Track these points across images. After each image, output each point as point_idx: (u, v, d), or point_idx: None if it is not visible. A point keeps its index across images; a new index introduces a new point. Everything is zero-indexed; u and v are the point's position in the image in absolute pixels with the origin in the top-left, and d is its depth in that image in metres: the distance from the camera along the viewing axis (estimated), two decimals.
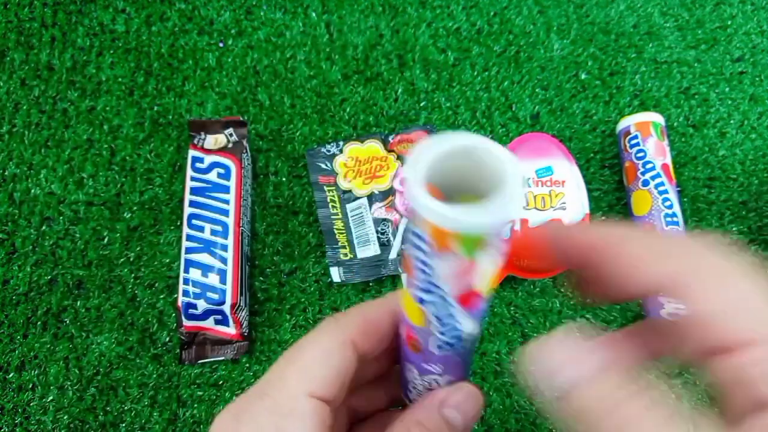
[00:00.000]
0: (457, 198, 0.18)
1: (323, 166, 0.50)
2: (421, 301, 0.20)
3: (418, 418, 0.23)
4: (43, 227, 0.49)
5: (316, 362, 0.22)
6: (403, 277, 0.20)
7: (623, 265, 0.19)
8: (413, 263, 0.19)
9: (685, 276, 0.18)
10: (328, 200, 0.49)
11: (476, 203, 0.17)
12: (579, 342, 0.19)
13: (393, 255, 0.47)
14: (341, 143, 0.51)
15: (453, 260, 0.18)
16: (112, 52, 0.54)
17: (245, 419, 0.21)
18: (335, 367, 0.22)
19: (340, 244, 0.48)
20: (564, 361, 0.19)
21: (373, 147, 0.50)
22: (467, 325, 0.21)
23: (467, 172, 0.18)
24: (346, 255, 0.48)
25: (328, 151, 0.51)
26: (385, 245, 0.47)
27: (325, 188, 0.50)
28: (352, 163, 0.50)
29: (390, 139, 0.51)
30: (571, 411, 0.19)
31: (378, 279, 0.47)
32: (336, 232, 0.48)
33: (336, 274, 0.47)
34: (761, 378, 0.16)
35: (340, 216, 0.49)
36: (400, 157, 0.50)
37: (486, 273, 0.19)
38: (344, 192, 0.49)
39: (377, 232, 0.48)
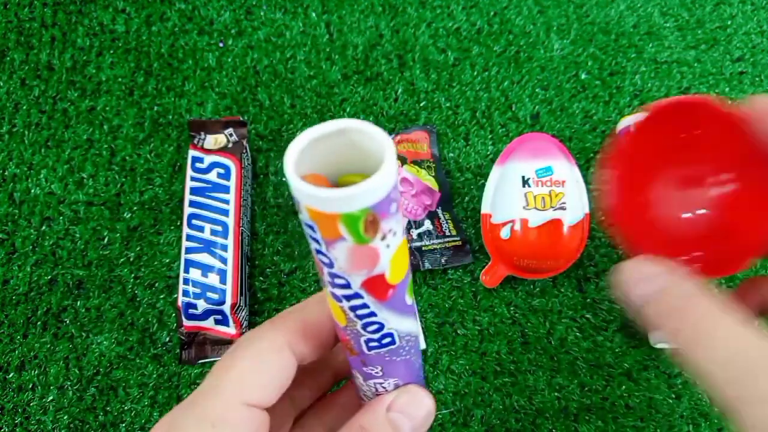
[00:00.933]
0: (345, 178, 0.19)
1: None
2: (335, 296, 0.20)
3: (362, 422, 0.23)
4: (43, 227, 0.49)
5: (250, 369, 0.22)
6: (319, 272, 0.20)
7: None
8: (315, 257, 0.19)
9: None
10: None
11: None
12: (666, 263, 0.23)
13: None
14: None
15: (345, 245, 0.17)
16: (112, 52, 0.54)
17: (177, 430, 0.21)
18: (271, 374, 0.22)
19: None
20: (651, 272, 0.22)
21: None
22: (389, 319, 0.21)
23: (350, 157, 0.18)
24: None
25: None
26: None
27: None
28: None
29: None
30: (657, 313, 0.22)
31: None
32: None
33: None
34: None
35: None
36: (400, 157, 0.50)
37: (385, 256, 0.18)
38: None
39: None
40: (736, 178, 0.33)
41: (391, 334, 0.21)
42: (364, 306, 0.20)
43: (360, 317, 0.20)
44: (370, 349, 0.22)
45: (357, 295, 0.19)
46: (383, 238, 0.18)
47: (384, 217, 0.17)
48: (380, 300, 0.20)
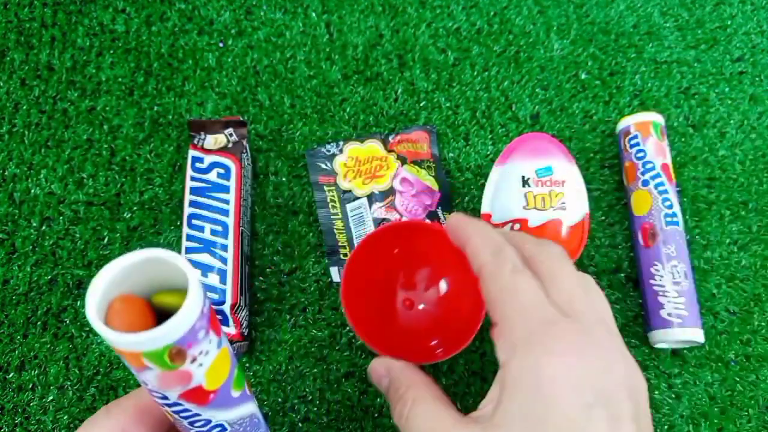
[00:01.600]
0: (161, 296, 0.20)
1: (323, 166, 0.50)
2: (157, 401, 0.21)
3: None
4: (43, 227, 0.49)
5: None
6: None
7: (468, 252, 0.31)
8: (136, 374, 0.20)
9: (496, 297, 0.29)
10: (328, 200, 0.49)
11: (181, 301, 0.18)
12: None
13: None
14: (341, 143, 0.51)
15: (153, 373, 0.19)
16: (112, 52, 0.54)
17: None
18: None
19: (340, 243, 0.48)
20: (382, 371, 0.34)
21: (373, 147, 0.50)
22: (216, 415, 0.22)
23: (162, 276, 0.19)
24: (346, 255, 0.48)
25: (328, 151, 0.51)
26: None
27: (325, 188, 0.50)
28: (352, 163, 0.50)
29: (390, 139, 0.51)
30: (390, 398, 0.31)
31: None
32: (336, 232, 0.48)
33: (336, 273, 0.47)
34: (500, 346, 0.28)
35: (340, 216, 0.49)
36: (400, 157, 0.50)
37: (198, 373, 0.20)
38: (344, 192, 0.49)
39: None
40: (451, 278, 0.42)
41: (220, 425, 0.23)
42: (187, 410, 0.21)
43: (185, 418, 0.22)
44: None
45: (177, 404, 0.21)
46: (193, 361, 0.19)
47: (190, 346, 0.19)
48: (201, 404, 0.21)
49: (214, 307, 0.44)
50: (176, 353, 0.18)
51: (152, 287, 0.20)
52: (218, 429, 0.23)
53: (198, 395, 0.21)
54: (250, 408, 0.24)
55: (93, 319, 0.18)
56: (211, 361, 0.20)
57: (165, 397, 0.20)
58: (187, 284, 0.18)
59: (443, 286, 0.43)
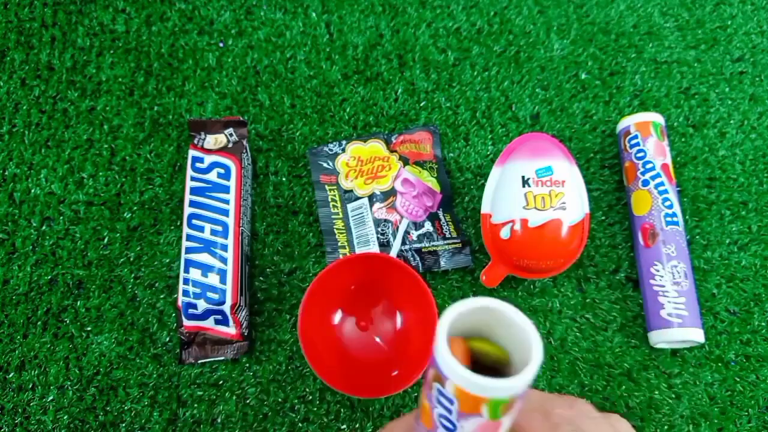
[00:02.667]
0: (476, 343, 0.21)
1: (325, 165, 0.50)
2: None
3: None
4: (43, 227, 0.49)
5: None
6: (419, 426, 0.23)
7: None
8: (436, 420, 0.21)
9: None
10: (329, 199, 0.49)
11: (496, 351, 0.20)
12: None
13: (392, 255, 0.47)
14: (344, 142, 0.51)
15: (478, 421, 0.20)
16: (112, 52, 0.54)
17: None
18: None
19: (340, 243, 0.48)
20: None
21: (375, 147, 0.50)
22: None
23: (484, 324, 0.21)
24: (345, 255, 0.47)
25: (331, 150, 0.51)
26: (385, 246, 0.47)
27: (327, 187, 0.50)
28: (354, 162, 0.50)
29: (393, 139, 0.51)
30: None
31: None
32: (336, 231, 0.48)
33: None
34: None
35: (340, 216, 0.49)
36: (402, 158, 0.50)
37: (504, 426, 0.21)
38: (345, 191, 0.49)
39: (377, 232, 0.47)
40: (405, 309, 0.44)
41: None
42: None
43: None
44: None
45: None
46: (511, 414, 0.20)
47: (518, 401, 0.20)
48: None
49: (214, 306, 0.44)
50: (508, 406, 0.19)
51: (465, 331, 0.21)
52: None
53: None
54: None
55: (451, 359, 0.19)
56: (512, 419, 0.21)
57: None
58: (530, 344, 0.19)
59: (399, 318, 0.45)
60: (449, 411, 0.20)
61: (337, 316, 0.45)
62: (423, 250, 0.47)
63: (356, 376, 0.43)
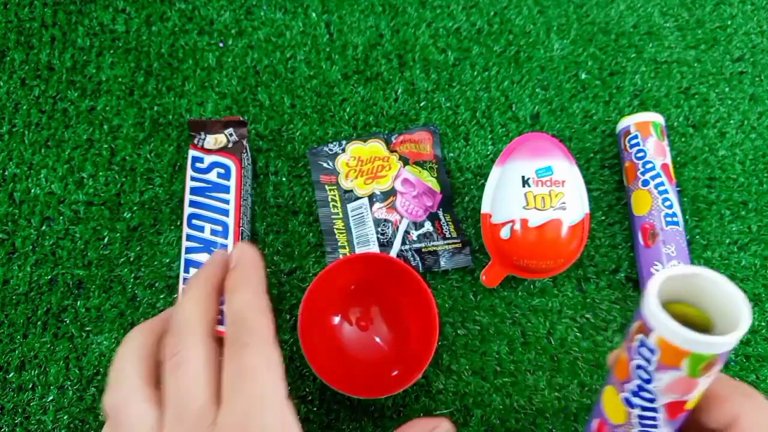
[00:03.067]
0: (677, 307, 0.22)
1: (325, 165, 0.50)
2: (629, 403, 0.23)
3: None
4: (43, 227, 0.49)
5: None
6: (615, 380, 0.24)
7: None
8: (633, 371, 0.22)
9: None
10: (329, 199, 0.49)
11: (696, 315, 0.21)
12: None
13: (392, 255, 0.47)
14: (344, 142, 0.51)
15: (676, 375, 0.21)
16: (112, 52, 0.54)
17: None
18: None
19: (340, 243, 0.48)
20: None
21: (375, 147, 0.50)
22: (664, 431, 0.23)
23: (690, 291, 0.22)
24: (345, 255, 0.48)
25: (331, 150, 0.51)
26: (384, 246, 0.47)
27: (327, 187, 0.50)
28: (354, 162, 0.50)
29: (393, 139, 0.51)
30: None
31: None
32: (336, 231, 0.48)
33: None
34: None
35: (340, 216, 0.49)
36: (402, 158, 0.50)
37: (699, 389, 0.21)
38: (345, 191, 0.49)
39: (377, 232, 0.47)
40: (404, 308, 0.44)
41: None
42: (653, 419, 0.22)
43: (643, 426, 0.23)
44: None
45: (652, 410, 0.22)
46: (708, 376, 0.21)
47: (721, 361, 0.20)
48: (670, 419, 0.22)
49: None
50: (708, 365, 0.20)
51: (670, 296, 0.22)
52: None
53: (675, 409, 0.22)
54: None
55: (659, 309, 0.20)
56: (708, 384, 0.22)
57: (652, 400, 0.22)
58: (740, 308, 0.20)
59: (399, 318, 0.45)
60: (648, 362, 0.21)
61: (337, 317, 0.45)
62: (423, 250, 0.47)
63: (356, 376, 0.43)
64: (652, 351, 0.21)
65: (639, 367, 0.21)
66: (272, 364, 0.25)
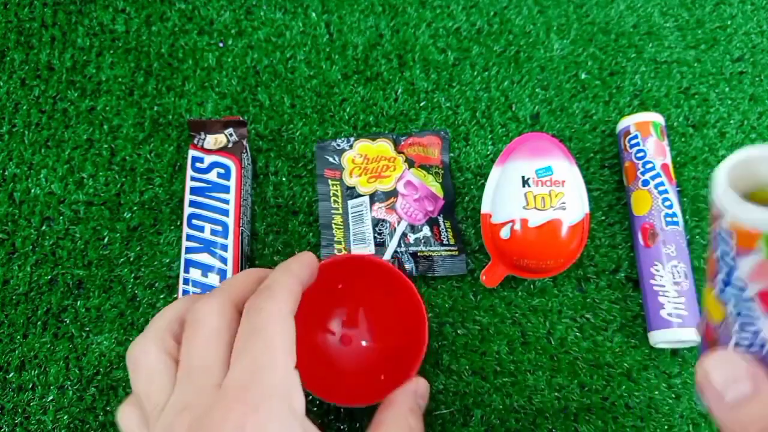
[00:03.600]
0: (752, 196, 0.21)
1: (331, 159, 0.50)
2: (724, 298, 0.22)
3: None
4: (43, 227, 0.49)
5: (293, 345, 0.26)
6: (708, 278, 0.23)
7: None
8: (718, 262, 0.21)
9: None
10: (331, 194, 0.49)
11: None
12: (743, 363, 0.22)
13: (387, 257, 0.47)
14: (352, 139, 0.51)
15: (755, 259, 0.19)
16: (112, 52, 0.54)
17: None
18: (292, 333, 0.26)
19: (336, 239, 0.48)
20: (728, 381, 0.22)
21: (383, 146, 0.50)
22: (767, 328, 0.22)
23: (761, 178, 0.21)
24: (340, 251, 0.48)
25: (338, 145, 0.51)
26: (380, 246, 0.47)
27: (330, 182, 0.50)
28: (360, 160, 0.50)
29: (401, 140, 0.51)
30: (736, 424, 0.23)
31: None
32: (334, 226, 0.48)
33: None
34: None
35: (340, 211, 0.49)
36: (408, 160, 0.50)
37: None
38: (348, 188, 0.49)
39: (374, 231, 0.48)
40: (391, 310, 0.42)
41: (763, 343, 0.22)
42: (750, 311, 0.21)
43: (741, 320, 0.22)
44: (738, 348, 0.23)
45: (746, 300, 0.21)
46: None
47: None
48: (767, 310, 0.21)
49: None
50: None
51: (746, 183, 0.21)
52: (758, 347, 0.22)
53: None
54: None
55: (728, 191, 0.19)
56: None
57: (742, 289, 0.21)
58: None
59: (385, 319, 0.44)
60: (728, 250, 0.20)
61: (320, 322, 0.44)
62: (419, 254, 0.47)
63: (344, 383, 0.41)
64: (728, 237, 0.20)
65: (722, 256, 0.21)
66: (284, 330, 0.25)
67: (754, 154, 0.20)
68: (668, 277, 0.44)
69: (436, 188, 0.49)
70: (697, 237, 0.49)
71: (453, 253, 0.47)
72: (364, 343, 0.44)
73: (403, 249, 0.47)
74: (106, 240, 0.49)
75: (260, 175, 0.51)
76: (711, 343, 0.24)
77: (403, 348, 0.41)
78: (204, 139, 0.48)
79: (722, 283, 0.21)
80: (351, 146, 0.50)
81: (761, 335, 0.22)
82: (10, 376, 0.46)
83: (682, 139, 0.52)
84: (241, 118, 0.49)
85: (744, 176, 0.21)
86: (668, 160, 0.48)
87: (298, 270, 0.29)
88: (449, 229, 0.48)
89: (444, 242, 0.47)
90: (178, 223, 0.49)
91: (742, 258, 0.20)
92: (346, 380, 0.42)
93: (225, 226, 0.45)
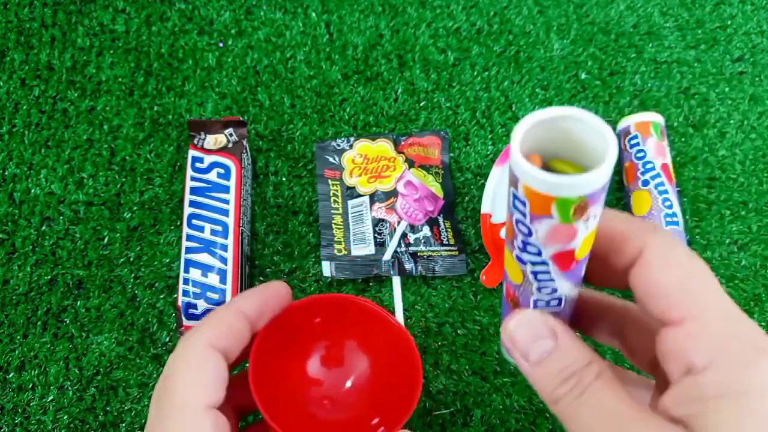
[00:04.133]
0: (555, 163, 0.21)
1: (331, 159, 0.50)
2: (520, 260, 0.22)
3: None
4: (43, 227, 0.49)
5: (204, 373, 0.26)
6: (507, 240, 0.23)
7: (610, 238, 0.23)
8: (515, 226, 0.21)
9: (650, 255, 0.22)
10: (331, 194, 0.49)
11: (575, 171, 0.19)
12: (543, 321, 0.23)
13: (387, 257, 0.47)
14: (352, 139, 0.51)
15: (550, 223, 0.19)
16: (112, 52, 0.54)
17: None
18: (216, 372, 0.27)
19: (336, 238, 0.48)
20: (531, 339, 0.23)
21: (383, 146, 0.50)
22: (563, 286, 0.23)
23: (564, 142, 0.20)
24: (340, 251, 0.48)
25: (338, 145, 0.51)
26: (380, 246, 0.47)
27: (330, 182, 0.50)
28: (360, 160, 0.50)
29: (401, 140, 0.51)
30: (544, 379, 0.23)
31: (367, 278, 0.47)
32: (334, 226, 0.48)
33: (327, 268, 0.47)
34: (691, 348, 0.19)
35: (340, 211, 0.49)
36: (408, 160, 0.50)
37: (581, 235, 0.20)
38: (348, 188, 0.49)
39: (374, 231, 0.48)
40: (379, 350, 0.37)
41: (560, 299, 0.23)
42: (546, 273, 0.22)
43: (539, 281, 0.22)
44: (536, 307, 0.24)
45: (543, 263, 0.21)
46: (586, 220, 0.20)
47: (593, 203, 0.19)
48: (563, 270, 0.22)
49: (214, 307, 0.44)
50: (580, 207, 0.19)
51: (549, 149, 0.20)
52: (556, 302, 0.23)
53: (566, 259, 0.21)
54: (575, 290, 0.24)
55: (520, 157, 0.18)
56: (593, 229, 0.21)
57: (538, 253, 0.21)
58: (606, 146, 0.18)
59: (370, 362, 0.37)
60: (524, 215, 0.20)
61: (301, 363, 0.37)
62: (419, 254, 0.47)
63: (329, 428, 0.35)
64: (523, 202, 0.20)
65: (518, 221, 0.20)
66: (199, 363, 0.27)
67: (550, 114, 0.19)
68: None
69: (436, 188, 0.49)
70: (697, 237, 0.49)
71: (453, 253, 0.47)
72: (348, 384, 0.37)
73: (403, 249, 0.47)
74: (106, 240, 0.49)
75: (260, 175, 0.51)
76: (513, 304, 0.25)
77: (396, 390, 0.35)
78: (204, 139, 0.48)
79: (520, 246, 0.21)
80: (351, 146, 0.50)
81: (557, 293, 0.23)
82: (10, 376, 0.46)
83: (682, 139, 0.52)
84: (241, 118, 0.49)
85: (547, 137, 0.20)
86: (668, 160, 0.48)
87: (243, 302, 0.30)
88: (449, 229, 0.48)
89: (444, 242, 0.47)
90: (178, 223, 0.49)
91: (537, 222, 0.20)
92: (333, 427, 0.35)
93: (225, 226, 0.45)
